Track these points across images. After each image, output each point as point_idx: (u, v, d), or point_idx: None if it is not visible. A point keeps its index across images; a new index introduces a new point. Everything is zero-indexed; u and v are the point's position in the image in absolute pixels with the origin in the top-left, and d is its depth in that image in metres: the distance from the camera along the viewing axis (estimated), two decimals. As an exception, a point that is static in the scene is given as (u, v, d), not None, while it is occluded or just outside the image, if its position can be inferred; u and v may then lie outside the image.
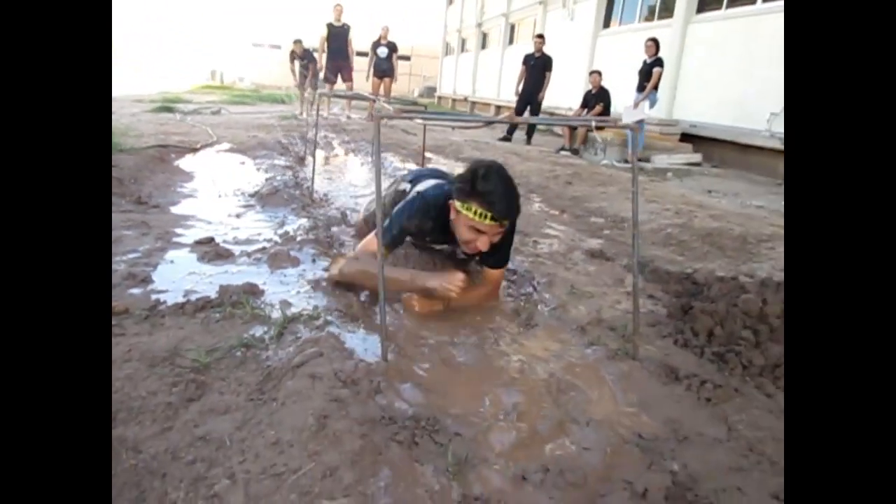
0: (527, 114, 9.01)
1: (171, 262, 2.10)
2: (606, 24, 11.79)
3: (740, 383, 1.53)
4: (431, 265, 2.09)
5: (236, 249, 2.28)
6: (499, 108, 14.83)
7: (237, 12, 27.81)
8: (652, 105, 7.62)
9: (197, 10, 27.40)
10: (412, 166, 5.15)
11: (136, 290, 1.79)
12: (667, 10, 9.51)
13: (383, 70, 10.30)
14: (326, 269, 2.07)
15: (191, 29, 27.19)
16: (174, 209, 2.98)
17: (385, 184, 2.49)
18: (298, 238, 2.49)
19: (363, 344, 1.55)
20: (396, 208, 1.94)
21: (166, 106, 8.55)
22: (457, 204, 1.78)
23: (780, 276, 2.37)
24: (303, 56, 10.39)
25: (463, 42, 21.52)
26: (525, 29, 15.77)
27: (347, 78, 10.06)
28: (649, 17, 10.31)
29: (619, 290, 2.28)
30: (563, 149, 8.07)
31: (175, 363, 1.35)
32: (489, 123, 2.00)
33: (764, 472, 1.15)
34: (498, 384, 1.44)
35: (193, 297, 1.74)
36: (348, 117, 9.92)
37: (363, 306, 1.84)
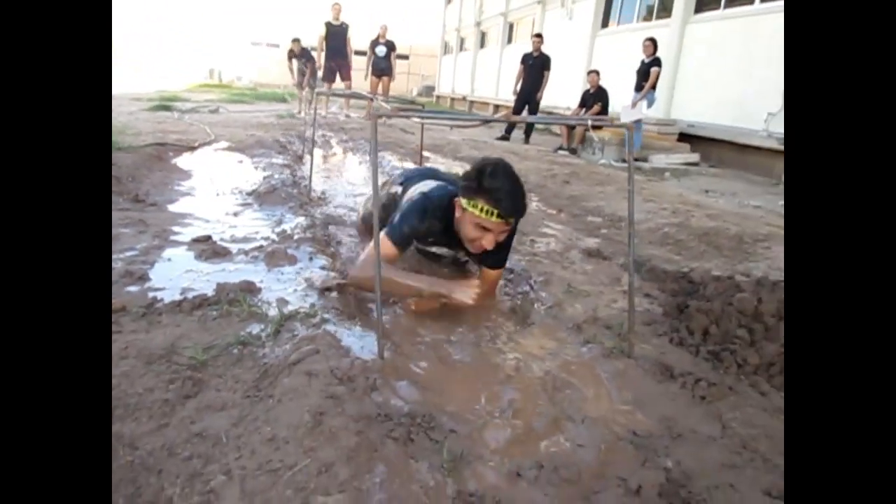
0: (525, 113, 9.03)
1: (169, 259, 2.10)
2: (605, 23, 11.80)
3: (735, 381, 1.54)
4: (433, 268, 2.09)
5: (234, 247, 2.28)
6: (497, 107, 14.83)
7: (235, 11, 27.78)
8: (650, 105, 7.63)
9: (195, 9, 27.37)
10: (410, 165, 5.16)
11: (133, 288, 1.79)
12: (665, 9, 9.52)
13: (381, 69, 10.30)
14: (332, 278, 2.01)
15: (189, 28, 27.16)
16: (172, 207, 2.98)
17: (380, 181, 2.50)
18: (296, 236, 2.49)
19: (359, 342, 1.56)
20: (403, 209, 1.88)
21: (164, 104, 8.54)
22: (462, 201, 1.76)
23: (776, 275, 2.38)
24: (301, 55, 10.38)
25: (461, 41, 21.52)
26: (524, 28, 15.78)
27: (346, 77, 10.06)
28: (647, 16, 10.32)
29: (616, 288, 2.29)
30: (561, 148, 8.09)
31: (172, 360, 1.35)
32: (486, 122, 2.00)
33: (757, 470, 1.16)
34: (494, 382, 1.45)
35: (190, 295, 1.74)
36: (347, 116, 9.92)
37: (360, 305, 1.85)
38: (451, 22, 22.59)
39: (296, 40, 10.46)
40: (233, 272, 2.02)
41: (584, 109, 8.17)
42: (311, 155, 4.06)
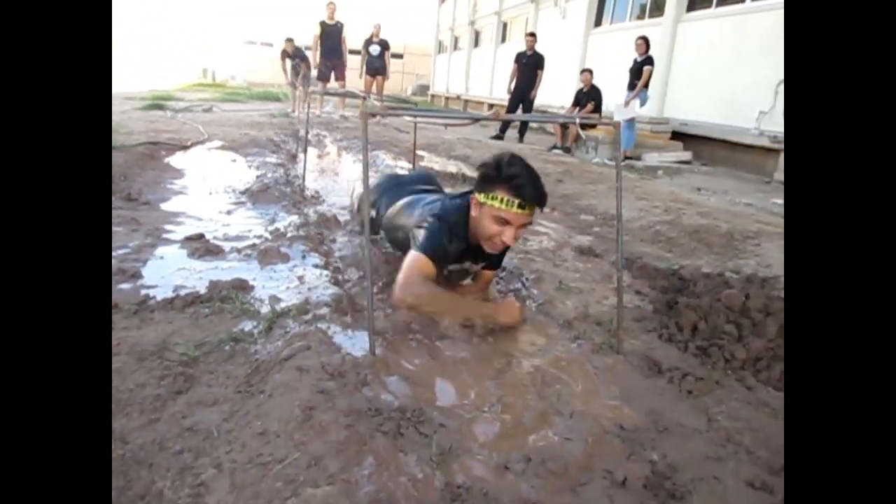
0: (518, 112, 9.05)
1: (161, 258, 2.11)
2: (598, 22, 11.82)
3: (722, 376, 1.56)
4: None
5: (226, 246, 2.29)
6: (491, 106, 14.84)
7: (229, 10, 27.70)
8: (643, 103, 7.66)
9: (189, 8, 27.29)
10: (404, 164, 5.17)
11: (125, 286, 1.80)
12: (658, 8, 9.56)
13: (375, 68, 10.30)
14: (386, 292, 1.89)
15: (183, 27, 27.07)
16: (164, 206, 2.98)
17: (373, 180, 2.51)
18: (289, 235, 2.51)
19: (351, 338, 1.57)
20: (428, 235, 1.76)
21: (157, 103, 8.52)
22: (480, 197, 1.72)
23: (765, 272, 2.40)
24: (294, 55, 10.37)
25: (456, 40, 21.52)
26: (517, 27, 15.79)
27: (340, 77, 10.04)
28: (640, 15, 10.35)
29: (607, 285, 2.31)
30: (554, 147, 8.11)
31: (164, 357, 1.36)
32: (477, 120, 2.01)
33: (741, 462, 1.18)
34: (484, 377, 1.47)
35: (183, 293, 1.75)
36: (343, 117, 9.90)
37: (352, 301, 1.86)
38: (445, 21, 22.59)
39: (289, 40, 10.43)
40: (225, 270, 2.03)
41: (577, 108, 8.19)
42: (305, 154, 4.08)
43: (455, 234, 1.80)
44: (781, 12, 6.60)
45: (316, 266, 2.14)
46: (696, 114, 8.18)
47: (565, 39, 12.41)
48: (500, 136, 9.06)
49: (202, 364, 1.36)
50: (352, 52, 10.32)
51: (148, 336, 1.46)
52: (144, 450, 1.03)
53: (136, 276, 1.89)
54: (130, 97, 9.60)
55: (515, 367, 1.54)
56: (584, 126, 7.28)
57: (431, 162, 5.65)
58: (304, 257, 2.24)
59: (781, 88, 6.54)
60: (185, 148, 4.97)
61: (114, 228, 2.35)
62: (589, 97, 8.11)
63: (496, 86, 15.72)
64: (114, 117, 6.13)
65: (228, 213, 2.95)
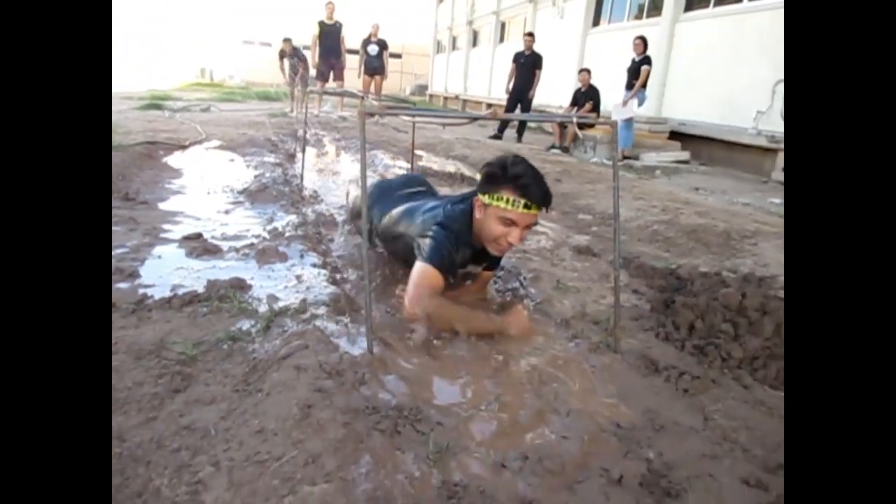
0: (517, 112, 9.06)
1: (159, 257, 2.11)
2: (596, 22, 11.84)
3: (718, 375, 1.57)
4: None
5: (224, 245, 2.29)
6: (489, 105, 14.75)
7: (228, 10, 27.65)
8: (641, 103, 7.67)
9: (187, 8, 27.24)
10: (402, 163, 5.17)
11: (123, 285, 1.80)
12: (655, 8, 9.57)
13: (374, 68, 10.30)
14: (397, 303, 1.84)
15: (180, 26, 27.03)
16: (162, 205, 2.98)
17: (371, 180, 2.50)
18: (287, 234, 2.51)
19: (349, 337, 1.58)
20: (435, 244, 1.72)
21: (155, 103, 8.51)
22: (485, 198, 1.71)
23: (762, 271, 2.41)
24: (292, 54, 10.36)
25: (454, 40, 21.52)
26: (515, 27, 15.80)
27: (338, 77, 10.03)
28: (638, 15, 10.36)
29: (605, 285, 2.31)
30: (553, 147, 8.12)
31: (161, 355, 1.37)
32: (475, 120, 2.02)
33: (736, 460, 1.19)
34: (481, 376, 1.47)
35: (181, 292, 1.76)
36: (341, 117, 9.90)
37: (350, 301, 1.86)
38: (443, 21, 22.59)
39: (287, 40, 10.43)
40: (223, 269, 2.04)
41: (575, 108, 8.20)
42: (304, 153, 4.07)
43: (460, 240, 1.77)
44: (779, 12, 6.62)
45: (314, 265, 2.15)
46: (693, 113, 8.20)
47: (563, 39, 12.42)
48: (498, 136, 9.06)
49: (200, 363, 1.36)
50: (350, 51, 10.32)
51: (146, 335, 1.46)
52: (142, 448, 1.03)
53: (134, 275, 1.89)
54: (128, 97, 9.59)
55: (512, 365, 1.54)
56: (581, 126, 7.29)
57: (430, 162, 5.65)
58: (302, 257, 2.24)
59: (779, 88, 6.55)
60: (184, 148, 4.97)
61: (112, 228, 2.35)
62: (587, 97, 8.12)
63: (494, 85, 15.72)
64: (112, 117, 6.13)
65: (226, 212, 2.95)
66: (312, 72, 10.11)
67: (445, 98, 20.17)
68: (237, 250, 2.25)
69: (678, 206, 3.97)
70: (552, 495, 1.04)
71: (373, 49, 10.19)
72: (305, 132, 4.54)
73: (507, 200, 1.65)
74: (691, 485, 1.09)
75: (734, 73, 7.49)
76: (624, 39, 8.94)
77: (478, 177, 1.86)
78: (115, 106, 7.63)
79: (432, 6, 24.02)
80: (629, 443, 1.22)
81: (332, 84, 9.98)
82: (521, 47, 9.25)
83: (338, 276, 2.08)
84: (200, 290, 1.78)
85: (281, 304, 1.74)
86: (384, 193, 2.21)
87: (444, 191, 3.93)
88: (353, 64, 10.38)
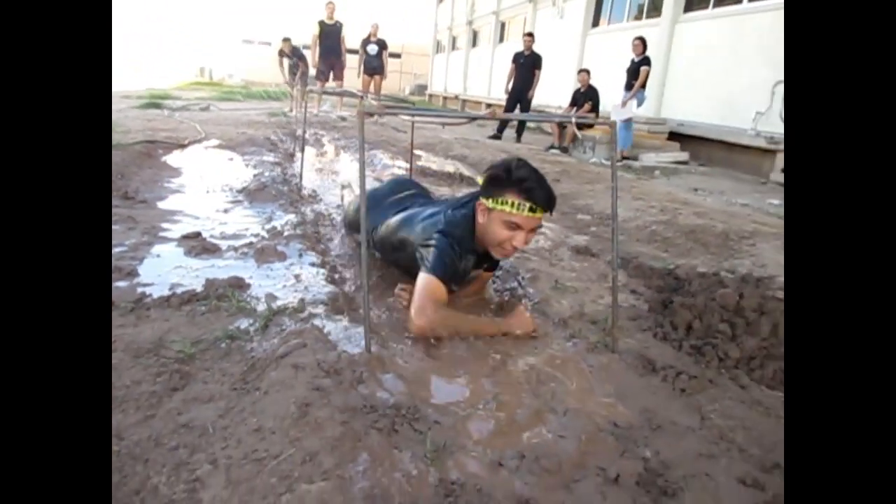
0: (516, 112, 9.07)
1: (158, 256, 2.12)
2: (595, 22, 11.85)
3: (715, 375, 1.57)
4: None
5: (223, 244, 2.30)
6: (489, 105, 14.78)
7: (227, 9, 27.65)
8: (640, 104, 7.68)
9: (187, 8, 27.23)
10: (401, 163, 5.17)
11: (122, 283, 1.80)
12: (655, 9, 9.58)
13: (373, 67, 10.31)
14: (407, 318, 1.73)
15: (180, 26, 27.02)
16: (161, 204, 2.98)
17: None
18: (286, 233, 2.51)
19: (347, 336, 1.58)
20: (438, 253, 1.70)
21: (154, 102, 8.51)
22: (488, 202, 1.69)
23: (760, 271, 2.41)
24: (291, 54, 10.37)
25: (454, 40, 21.53)
26: (515, 27, 15.81)
27: (338, 77, 10.04)
28: (638, 15, 10.38)
29: (603, 285, 2.32)
30: (552, 147, 8.13)
31: (160, 354, 1.37)
32: (474, 119, 2.02)
33: (733, 459, 1.19)
34: (479, 375, 1.47)
35: (179, 291, 1.76)
36: (340, 117, 9.90)
37: (348, 300, 1.86)
38: (443, 21, 22.60)
39: (286, 39, 10.44)
40: (222, 268, 2.04)
41: (574, 108, 8.21)
42: (303, 153, 4.07)
43: (463, 246, 1.75)
44: (778, 13, 6.63)
45: (312, 264, 2.15)
46: (693, 114, 8.21)
47: (563, 39, 12.43)
48: (497, 136, 9.07)
49: (198, 361, 1.37)
50: (350, 51, 10.32)
51: (144, 333, 1.47)
52: (140, 446, 1.04)
53: (133, 273, 1.89)
54: (127, 95, 9.58)
55: (510, 364, 1.54)
56: (581, 126, 7.28)
57: (429, 161, 5.65)
58: (300, 256, 2.24)
59: (778, 89, 6.56)
60: (183, 146, 4.97)
61: (111, 227, 2.35)
62: (586, 97, 8.14)
63: (494, 85, 15.73)
64: (112, 116, 6.13)
65: (225, 211, 2.95)
66: (312, 71, 10.12)
67: (445, 98, 20.18)
68: (236, 249, 2.25)
69: (677, 207, 3.98)
70: (549, 494, 1.04)
71: (372, 49, 10.20)
72: (305, 131, 4.53)
73: (512, 204, 1.64)
74: (688, 484, 1.10)
75: (734, 73, 7.50)
76: (623, 40, 8.94)
77: (477, 177, 1.86)
78: (115, 105, 7.63)
79: (432, 6, 24.03)
80: (626, 442, 1.22)
81: (331, 84, 9.98)
82: (520, 47, 9.27)
83: (336, 276, 2.08)
84: (199, 288, 1.78)
85: (279, 302, 1.74)
86: (375, 203, 2.14)
87: (443, 191, 3.94)
88: (352, 63, 10.39)
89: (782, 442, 1.26)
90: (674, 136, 7.91)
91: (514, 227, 1.67)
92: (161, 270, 1.96)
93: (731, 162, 7.07)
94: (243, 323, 1.59)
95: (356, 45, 10.50)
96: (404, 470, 1.04)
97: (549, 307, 2.00)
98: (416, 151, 5.24)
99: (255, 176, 3.93)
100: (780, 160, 6.21)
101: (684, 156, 7.41)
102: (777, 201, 4.94)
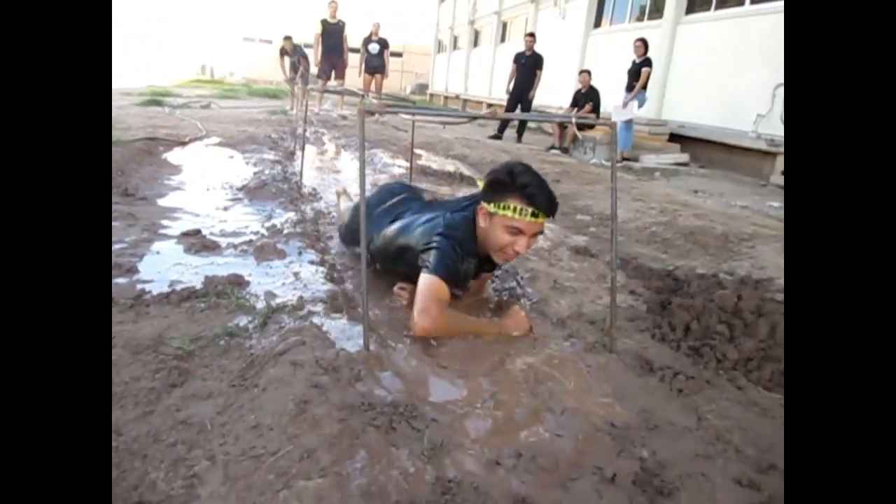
0: (517, 112, 9.07)
1: (158, 252, 2.12)
2: (597, 23, 11.84)
3: (713, 376, 1.58)
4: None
5: (223, 241, 2.30)
6: (490, 105, 14.78)
7: (228, 7, 27.66)
8: (641, 105, 7.68)
9: (187, 5, 27.23)
10: (402, 162, 5.18)
11: (122, 280, 1.80)
12: (657, 10, 9.58)
13: (374, 66, 10.30)
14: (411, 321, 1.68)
15: (182, 24, 27.02)
16: (161, 201, 2.99)
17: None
18: (285, 231, 2.52)
19: (346, 334, 1.58)
20: (441, 255, 1.68)
21: (155, 99, 8.51)
22: (490, 207, 1.67)
23: (758, 273, 2.42)
24: (292, 52, 10.37)
25: (455, 39, 21.53)
26: (517, 27, 15.80)
27: (340, 76, 10.03)
28: (640, 17, 10.37)
29: (602, 285, 2.32)
30: (552, 147, 8.13)
31: (159, 350, 1.37)
32: (474, 119, 2.02)
33: (729, 460, 1.19)
34: (477, 374, 1.48)
35: (179, 287, 1.76)
36: (341, 116, 9.91)
37: (347, 298, 1.87)
38: (444, 20, 22.61)
39: (287, 38, 10.44)
40: (222, 265, 2.04)
41: (575, 109, 8.21)
42: (303, 151, 4.08)
43: (465, 249, 1.73)
44: (780, 16, 6.63)
45: (312, 262, 2.15)
46: (694, 116, 8.21)
47: (564, 40, 12.42)
48: (498, 136, 9.07)
49: (197, 358, 1.37)
50: (351, 50, 10.32)
51: (144, 330, 1.47)
52: (139, 441, 1.04)
53: (133, 270, 1.89)
54: (128, 92, 9.58)
55: (508, 364, 1.55)
56: (581, 127, 7.28)
57: (429, 161, 5.65)
58: (300, 254, 2.25)
59: (779, 91, 6.56)
60: (183, 144, 4.97)
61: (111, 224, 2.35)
62: (587, 98, 8.14)
63: (495, 85, 15.73)
64: (112, 113, 6.13)
65: (225, 209, 2.95)
66: (314, 69, 10.11)
67: (446, 97, 20.18)
68: (235, 247, 2.25)
69: (676, 208, 3.98)
70: (545, 493, 1.04)
71: (374, 48, 10.20)
72: (305, 130, 4.54)
73: (514, 209, 1.63)
74: (684, 484, 1.10)
75: (735, 76, 7.50)
76: (625, 41, 8.95)
77: (477, 177, 1.86)
78: (115, 102, 7.63)
79: (434, 5, 24.03)
80: (623, 442, 1.22)
81: (333, 83, 9.97)
82: (522, 47, 9.27)
83: (335, 274, 2.08)
84: (198, 286, 1.78)
85: (278, 300, 1.75)
86: (367, 214, 2.05)
87: (443, 190, 3.94)
88: (353, 62, 10.39)
89: (778, 443, 1.26)
90: (674, 137, 7.91)
91: (516, 232, 1.66)
92: (161, 267, 1.97)
93: (732, 164, 7.07)
94: (242, 320, 1.59)
95: (358, 43, 10.49)
96: (401, 467, 1.04)
97: (548, 307, 2.00)
98: (417, 151, 5.25)
99: (255, 174, 3.93)
100: (780, 163, 6.21)
101: (685, 157, 7.41)
102: (777, 204, 4.94)
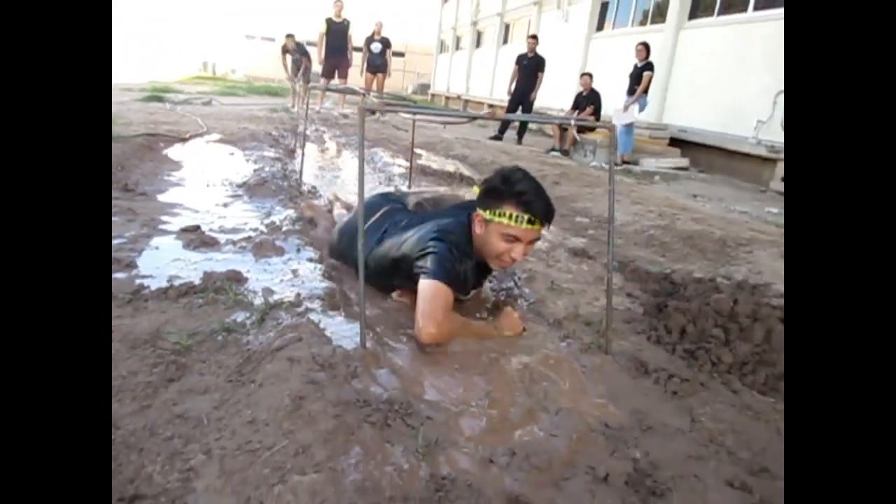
0: (517, 113, 9.08)
1: (157, 248, 2.12)
2: (600, 26, 11.86)
3: (707, 379, 1.59)
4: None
5: (222, 238, 2.30)
6: (491, 106, 14.82)
7: (230, 5, 27.66)
8: (642, 109, 7.70)
9: (189, 3, 27.22)
10: (402, 161, 5.19)
11: (120, 275, 1.81)
12: (660, 15, 9.60)
13: (376, 66, 10.32)
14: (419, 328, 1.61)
15: (183, 22, 27.01)
16: (161, 197, 2.99)
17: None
18: (284, 228, 2.52)
19: (342, 331, 1.59)
20: (439, 261, 1.64)
21: (156, 95, 8.51)
22: (486, 214, 1.65)
23: (755, 278, 2.43)
24: (294, 50, 10.37)
25: (458, 40, 21.56)
26: (519, 29, 15.83)
27: (343, 75, 10.03)
28: (643, 21, 10.39)
29: (599, 287, 2.33)
30: (553, 149, 8.14)
31: (156, 345, 1.38)
32: (474, 119, 2.03)
33: (721, 462, 1.20)
34: (472, 373, 1.48)
35: (177, 283, 1.77)
36: (342, 115, 9.91)
37: (345, 295, 1.87)
38: (447, 21, 22.63)
39: (289, 36, 10.44)
40: (220, 261, 2.05)
41: (576, 111, 8.22)
42: (303, 149, 4.08)
43: (462, 251, 1.71)
44: (783, 22, 6.64)
45: (310, 260, 2.16)
46: (694, 121, 8.22)
47: (567, 43, 12.44)
48: (498, 137, 9.09)
49: (194, 353, 1.38)
50: (354, 49, 10.33)
51: (141, 325, 1.47)
52: (135, 435, 1.05)
53: (132, 265, 1.90)
54: (129, 88, 9.58)
55: (504, 363, 1.56)
56: (581, 129, 7.28)
57: (429, 161, 5.66)
58: (298, 251, 2.25)
59: (780, 98, 6.57)
60: (184, 140, 4.97)
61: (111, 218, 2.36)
62: (588, 101, 8.16)
63: (497, 87, 15.76)
64: (112, 108, 6.13)
65: (225, 205, 2.96)
66: (318, 68, 10.11)
67: (447, 98, 20.20)
68: (234, 243, 2.26)
69: (675, 212, 3.99)
70: (539, 491, 1.05)
71: (376, 47, 10.21)
72: (306, 128, 4.55)
73: (510, 216, 1.61)
74: (676, 485, 1.11)
75: (737, 81, 7.51)
76: (627, 45, 8.96)
77: (476, 177, 1.86)
78: (116, 97, 7.63)
79: (437, 5, 24.06)
80: (616, 442, 1.23)
81: (335, 82, 9.97)
82: (524, 49, 9.28)
83: (333, 272, 2.09)
84: (197, 281, 1.79)
85: (276, 297, 1.75)
86: (354, 234, 1.91)
87: (443, 190, 3.94)
88: (355, 61, 10.40)
89: (771, 446, 1.27)
90: (675, 141, 7.93)
91: (513, 239, 1.64)
92: (159, 263, 1.97)
93: (732, 169, 7.09)
94: (240, 316, 1.60)
95: (359, 42, 10.50)
96: (396, 464, 1.05)
97: (545, 308, 2.01)
98: (417, 150, 5.25)
99: (255, 171, 3.94)
100: (780, 169, 6.23)
101: (685, 162, 7.43)
102: (776, 210, 4.95)
